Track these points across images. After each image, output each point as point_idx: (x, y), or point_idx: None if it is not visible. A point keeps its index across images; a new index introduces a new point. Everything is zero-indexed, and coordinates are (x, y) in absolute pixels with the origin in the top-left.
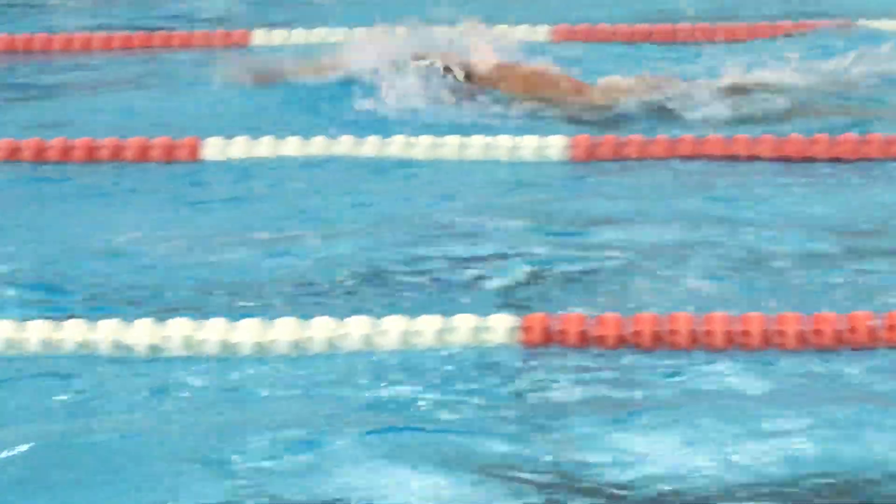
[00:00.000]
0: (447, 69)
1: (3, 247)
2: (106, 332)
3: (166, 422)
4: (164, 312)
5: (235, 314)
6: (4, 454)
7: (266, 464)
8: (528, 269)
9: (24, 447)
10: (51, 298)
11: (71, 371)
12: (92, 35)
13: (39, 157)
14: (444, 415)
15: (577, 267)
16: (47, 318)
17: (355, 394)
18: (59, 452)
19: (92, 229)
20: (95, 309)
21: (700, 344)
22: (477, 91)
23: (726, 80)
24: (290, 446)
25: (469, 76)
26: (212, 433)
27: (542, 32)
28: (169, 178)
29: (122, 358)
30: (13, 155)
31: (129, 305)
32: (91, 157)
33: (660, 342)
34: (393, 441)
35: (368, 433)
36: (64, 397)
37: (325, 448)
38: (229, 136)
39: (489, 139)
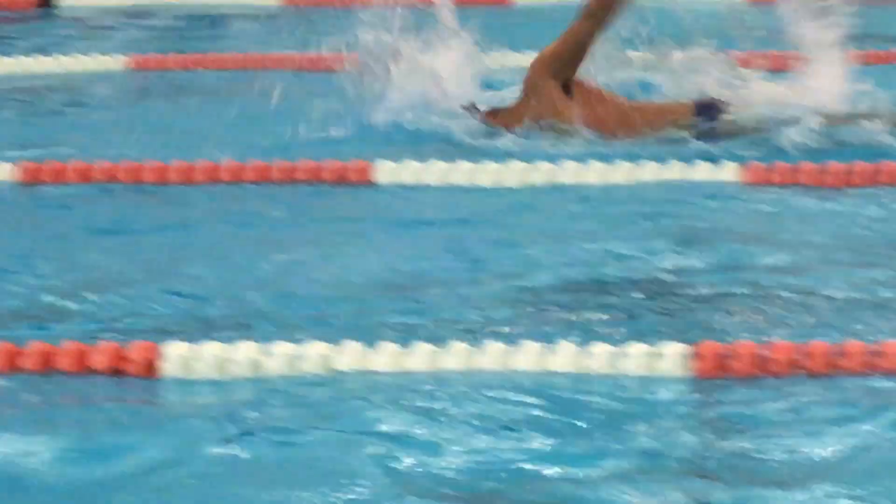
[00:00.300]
0: (471, 106)
1: (187, 268)
2: (277, 353)
3: (341, 439)
4: (336, 335)
5: (407, 337)
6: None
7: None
8: (694, 295)
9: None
10: (225, 320)
11: (244, 392)
12: (265, 55)
13: (211, 178)
14: (612, 444)
15: (744, 292)
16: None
17: (523, 418)
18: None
19: (265, 251)
20: (268, 330)
21: (876, 373)
22: (502, 130)
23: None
24: (464, 462)
25: (493, 114)
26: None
27: None
28: (340, 200)
29: (294, 378)
30: (187, 177)
31: (302, 327)
32: (262, 178)
33: (834, 370)
34: None
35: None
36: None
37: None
38: (399, 160)
39: (659, 165)
